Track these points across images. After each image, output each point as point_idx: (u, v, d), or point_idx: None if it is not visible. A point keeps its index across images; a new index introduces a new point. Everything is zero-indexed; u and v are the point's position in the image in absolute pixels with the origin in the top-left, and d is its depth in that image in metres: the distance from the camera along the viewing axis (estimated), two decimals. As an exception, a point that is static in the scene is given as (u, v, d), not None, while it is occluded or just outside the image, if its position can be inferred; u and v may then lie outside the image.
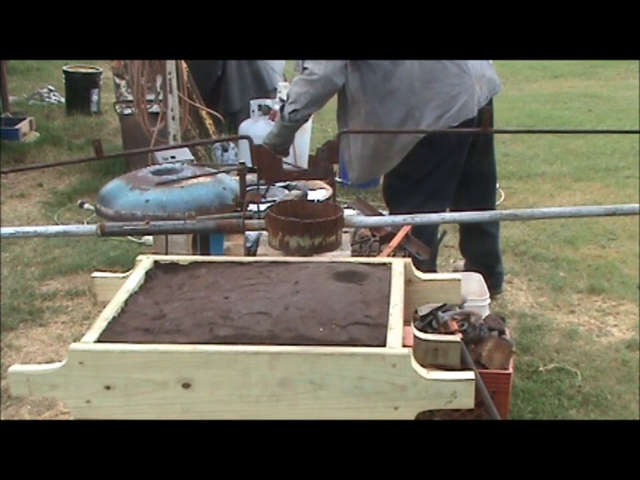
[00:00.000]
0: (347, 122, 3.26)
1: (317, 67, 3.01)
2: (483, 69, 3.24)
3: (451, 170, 3.25)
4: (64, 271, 4.15)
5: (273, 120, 5.32)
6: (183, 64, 5.33)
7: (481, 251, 3.64)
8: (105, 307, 1.55)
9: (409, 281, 1.67)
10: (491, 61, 3.36)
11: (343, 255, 2.02)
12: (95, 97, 7.49)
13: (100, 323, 1.47)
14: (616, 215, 2.04)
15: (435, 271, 3.15)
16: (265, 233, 2.11)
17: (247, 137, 2.29)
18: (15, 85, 8.46)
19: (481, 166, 3.44)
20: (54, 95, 8.18)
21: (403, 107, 3.12)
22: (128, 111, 5.71)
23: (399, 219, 2.18)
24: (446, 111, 3.10)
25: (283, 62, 6.74)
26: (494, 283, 3.52)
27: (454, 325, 2.65)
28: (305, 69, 3.05)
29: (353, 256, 2.19)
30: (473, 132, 3.16)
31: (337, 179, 2.64)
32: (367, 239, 2.78)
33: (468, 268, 3.56)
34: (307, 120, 3.33)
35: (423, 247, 2.65)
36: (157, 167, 2.73)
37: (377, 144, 3.21)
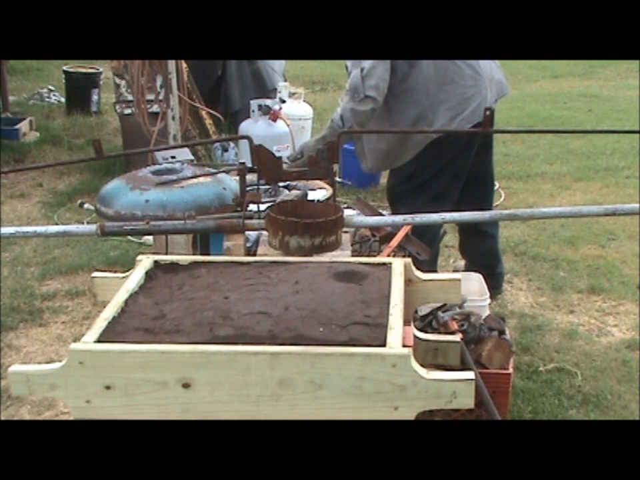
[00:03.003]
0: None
1: (378, 93, 3.06)
2: (493, 72, 3.25)
3: (457, 172, 3.26)
4: (64, 271, 4.15)
5: (273, 120, 5.34)
6: (183, 64, 5.33)
7: (481, 252, 3.64)
8: (104, 307, 1.55)
9: (409, 281, 1.67)
10: (498, 63, 3.36)
11: (343, 255, 2.02)
12: (95, 97, 7.49)
13: (100, 323, 1.47)
14: (616, 214, 2.04)
15: (435, 271, 3.15)
16: (264, 232, 2.11)
17: (247, 137, 2.29)
18: (15, 84, 8.47)
19: (481, 166, 3.44)
20: (54, 94, 8.19)
21: (416, 107, 3.14)
22: (128, 111, 5.71)
23: (398, 218, 2.18)
24: (459, 113, 3.11)
25: (282, 62, 6.75)
26: (494, 284, 3.52)
27: (454, 325, 2.65)
28: (366, 97, 3.06)
29: (353, 256, 2.19)
30: (472, 132, 3.17)
31: (337, 178, 2.64)
32: (367, 239, 2.78)
33: (468, 269, 3.56)
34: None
35: (423, 247, 2.65)
36: (157, 166, 2.73)
37: (392, 139, 3.23)
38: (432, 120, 3.14)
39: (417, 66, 3.09)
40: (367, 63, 3.04)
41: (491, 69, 3.25)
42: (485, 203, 3.49)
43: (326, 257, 1.86)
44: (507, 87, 3.39)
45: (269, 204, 2.25)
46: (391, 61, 3.07)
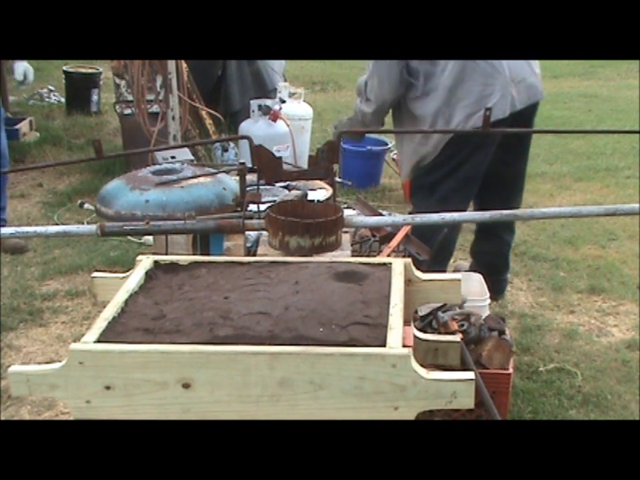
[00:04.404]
0: (398, 119, 3.36)
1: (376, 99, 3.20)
2: (525, 74, 3.21)
3: (467, 176, 3.24)
4: (64, 271, 4.15)
5: (273, 120, 5.34)
6: (183, 64, 5.32)
7: (492, 256, 3.64)
8: (104, 307, 1.55)
9: (409, 281, 1.66)
10: (537, 70, 3.32)
11: (343, 255, 2.02)
12: (95, 97, 7.48)
13: (100, 323, 1.47)
14: (616, 215, 2.04)
15: (445, 272, 3.15)
16: (264, 232, 2.11)
17: (247, 137, 2.29)
18: (15, 84, 8.45)
19: (504, 169, 3.43)
20: (54, 94, 8.17)
21: (435, 104, 3.16)
22: (128, 111, 5.70)
23: (399, 218, 2.18)
24: (476, 111, 3.10)
25: (283, 62, 6.74)
26: (497, 289, 3.53)
27: (454, 325, 2.65)
28: (368, 99, 3.24)
29: (353, 256, 2.19)
30: (471, 132, 3.17)
31: (337, 178, 2.64)
32: (367, 238, 2.78)
33: (474, 270, 3.54)
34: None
35: (423, 247, 2.65)
36: (157, 167, 2.73)
37: (417, 141, 3.28)
38: (449, 117, 3.15)
39: (438, 65, 3.12)
40: (370, 70, 3.17)
41: (523, 72, 3.20)
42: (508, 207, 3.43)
43: (326, 257, 1.86)
44: (541, 92, 3.33)
45: (269, 204, 2.25)
46: (408, 67, 3.12)
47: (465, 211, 3.24)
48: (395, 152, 5.25)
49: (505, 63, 3.15)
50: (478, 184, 3.31)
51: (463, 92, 3.12)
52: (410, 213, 3.22)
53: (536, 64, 3.34)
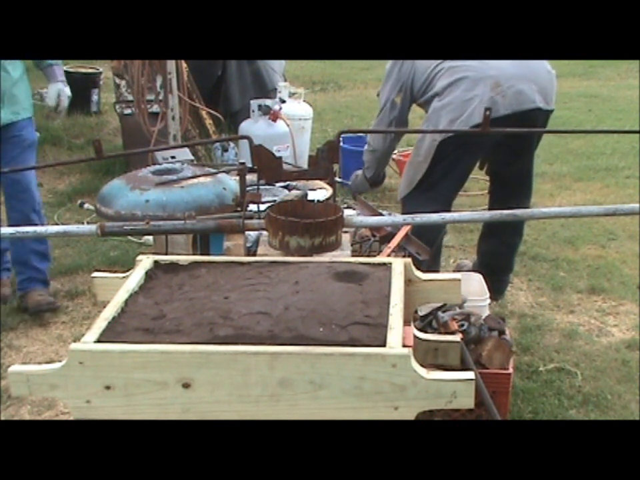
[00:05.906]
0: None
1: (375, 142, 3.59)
2: (515, 81, 3.15)
3: (445, 171, 3.27)
4: (64, 271, 4.15)
5: (273, 120, 5.34)
6: (183, 64, 5.32)
7: (491, 255, 3.65)
8: (104, 307, 1.55)
9: (409, 281, 1.67)
10: (543, 79, 3.26)
11: (343, 255, 2.02)
12: (95, 97, 7.48)
13: (100, 323, 1.47)
14: (616, 215, 2.04)
15: (437, 271, 3.16)
16: (265, 232, 2.11)
17: (247, 137, 2.29)
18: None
19: (507, 169, 3.49)
20: (54, 94, 8.16)
21: (428, 110, 3.27)
22: (128, 111, 5.70)
23: (399, 218, 2.18)
24: (458, 116, 3.13)
25: (283, 62, 6.74)
26: (497, 289, 3.53)
27: (454, 325, 2.65)
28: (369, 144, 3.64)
29: (353, 256, 2.19)
30: (470, 132, 3.18)
31: (337, 178, 2.64)
32: (367, 238, 2.78)
33: (477, 269, 3.54)
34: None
35: (423, 247, 2.65)
36: (157, 167, 2.73)
37: (413, 151, 3.46)
38: (436, 123, 3.21)
39: (440, 73, 3.21)
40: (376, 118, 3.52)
41: (515, 78, 3.14)
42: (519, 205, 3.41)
43: (326, 257, 1.86)
44: (532, 101, 3.20)
45: (269, 204, 2.25)
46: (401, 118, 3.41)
47: (451, 196, 3.38)
48: (396, 152, 5.26)
49: (495, 69, 3.14)
50: (462, 181, 3.42)
51: (449, 97, 3.18)
52: (403, 212, 3.26)
53: (541, 74, 3.26)
